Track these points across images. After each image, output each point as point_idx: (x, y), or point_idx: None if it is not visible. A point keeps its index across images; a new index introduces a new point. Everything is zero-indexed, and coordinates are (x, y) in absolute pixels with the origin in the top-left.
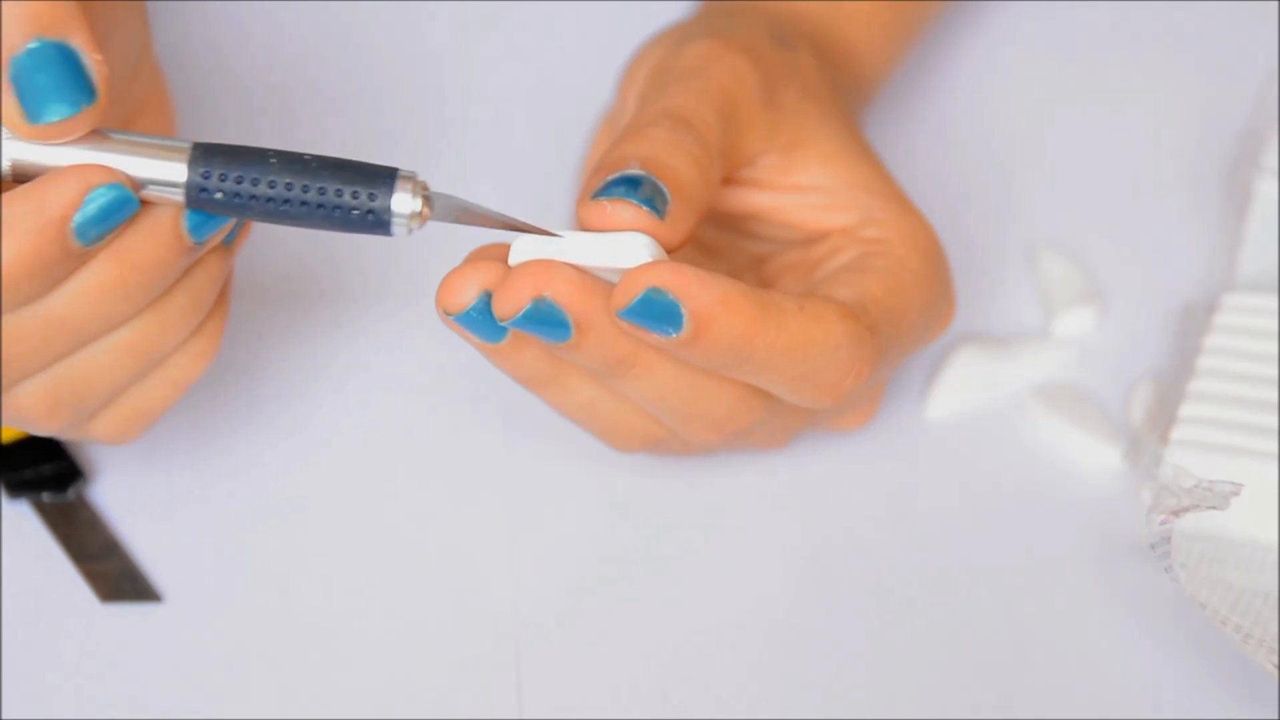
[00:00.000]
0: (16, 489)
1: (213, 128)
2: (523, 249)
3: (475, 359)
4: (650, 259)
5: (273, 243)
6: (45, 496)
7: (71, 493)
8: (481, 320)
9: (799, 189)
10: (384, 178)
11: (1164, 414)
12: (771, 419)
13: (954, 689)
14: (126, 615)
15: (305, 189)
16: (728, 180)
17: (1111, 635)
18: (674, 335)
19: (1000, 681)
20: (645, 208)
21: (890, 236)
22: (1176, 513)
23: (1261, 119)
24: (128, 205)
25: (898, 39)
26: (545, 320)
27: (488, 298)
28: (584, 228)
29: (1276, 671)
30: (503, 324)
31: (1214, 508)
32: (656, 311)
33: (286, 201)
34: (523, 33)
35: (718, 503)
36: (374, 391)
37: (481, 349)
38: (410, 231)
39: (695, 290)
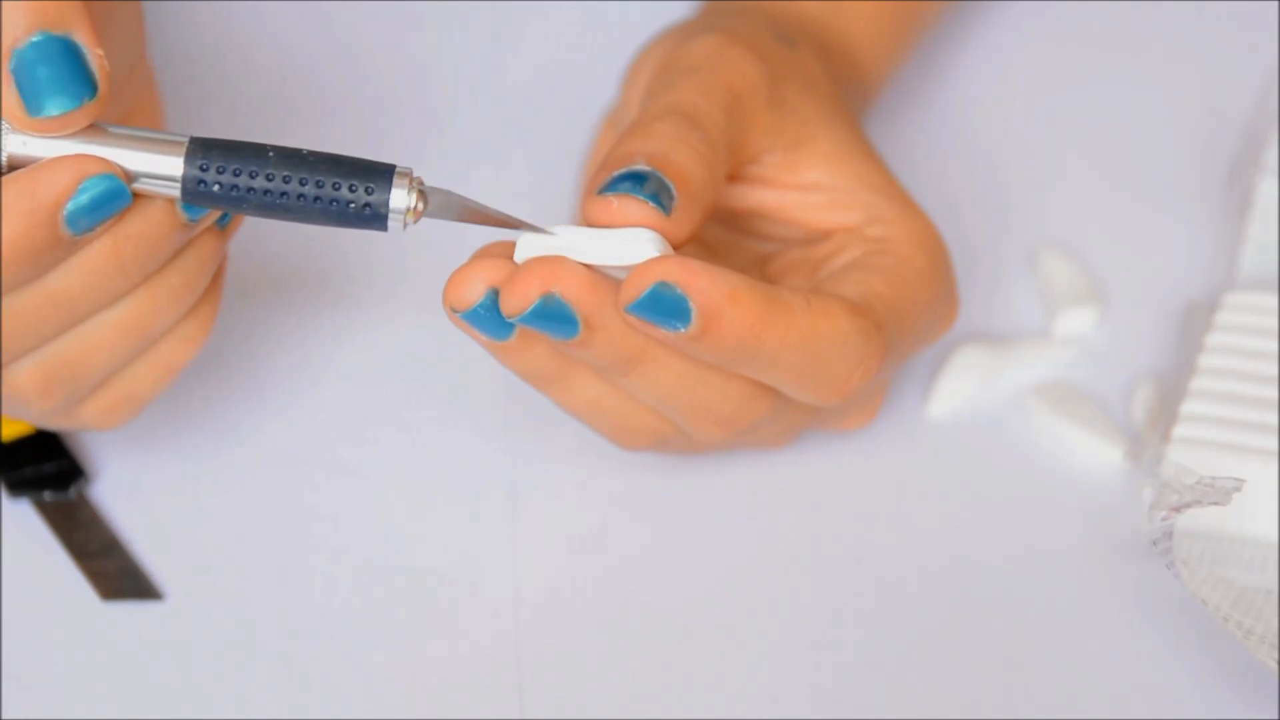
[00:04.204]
0: (18, 487)
1: (209, 130)
2: (529, 245)
3: (477, 356)
4: (657, 254)
5: (271, 239)
6: (46, 495)
7: (73, 491)
8: (489, 317)
9: (803, 187)
10: (382, 173)
11: (1165, 412)
12: (777, 417)
13: (955, 687)
14: (127, 614)
15: (303, 183)
16: (732, 177)
17: (1113, 633)
18: (682, 330)
19: (1001, 680)
20: (651, 203)
21: (895, 235)
22: (1178, 509)
23: (1262, 119)
24: (120, 197)
25: (899, 40)
26: (554, 317)
27: (495, 294)
28: (590, 223)
29: (1278, 668)
30: (510, 321)
31: (1216, 504)
32: (664, 306)
33: (284, 195)
34: (526, 30)
35: (718, 501)
36: (375, 390)
37: (489, 346)
38: (405, 227)
39: (703, 284)
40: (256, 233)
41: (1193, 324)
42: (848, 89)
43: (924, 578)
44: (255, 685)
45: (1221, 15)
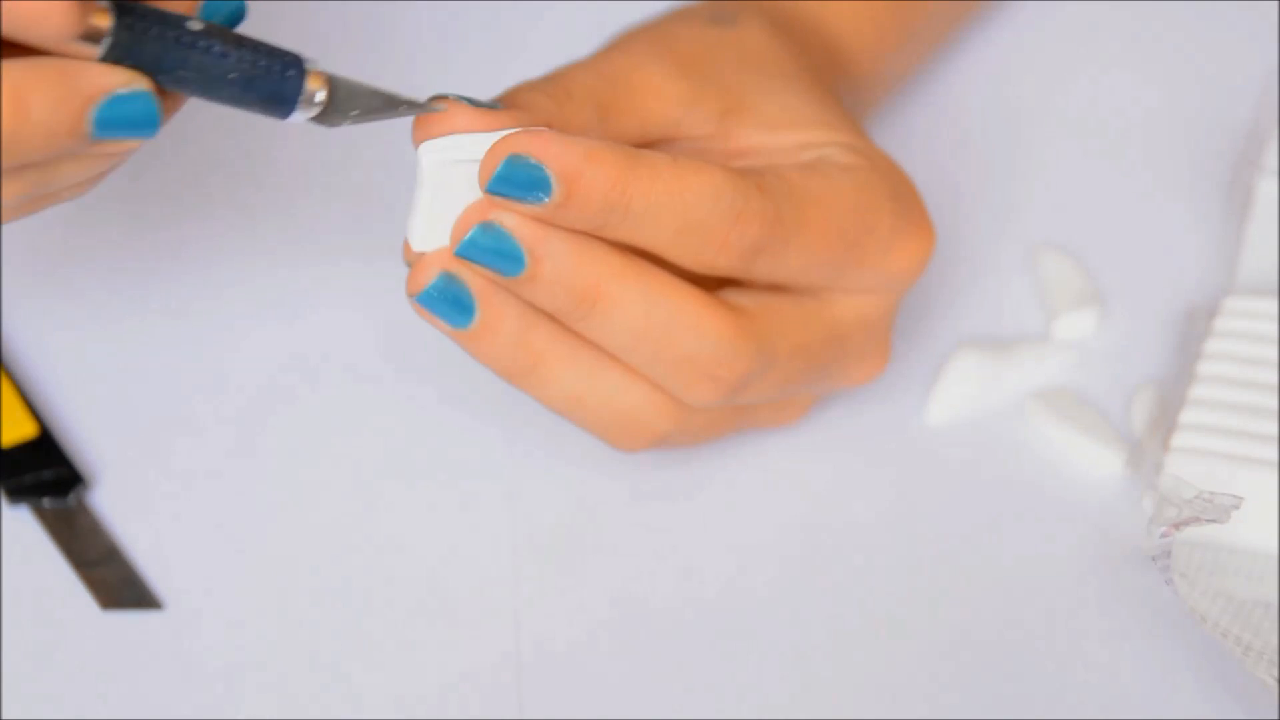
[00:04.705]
0: (17, 494)
1: (205, 137)
2: (434, 152)
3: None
4: None
5: (269, 241)
6: (46, 502)
7: (72, 498)
8: (443, 299)
9: (742, 152)
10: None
11: (1165, 419)
12: (768, 367)
13: (953, 696)
14: (127, 622)
15: (226, 37)
16: (662, 142)
17: (1112, 642)
18: (547, 201)
19: (999, 687)
20: (463, 101)
21: (833, 151)
22: (1177, 525)
23: (1262, 119)
24: None
25: (892, 36)
26: (498, 251)
27: (447, 276)
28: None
29: (1277, 685)
30: (459, 254)
31: (1214, 521)
32: (522, 179)
33: (210, 40)
34: (527, 29)
35: (716, 504)
36: (375, 394)
37: (453, 336)
38: (311, 107)
39: (557, 150)
40: (255, 234)
41: (1193, 328)
42: (820, 66)
43: (921, 584)
44: (254, 693)
45: (1221, 15)
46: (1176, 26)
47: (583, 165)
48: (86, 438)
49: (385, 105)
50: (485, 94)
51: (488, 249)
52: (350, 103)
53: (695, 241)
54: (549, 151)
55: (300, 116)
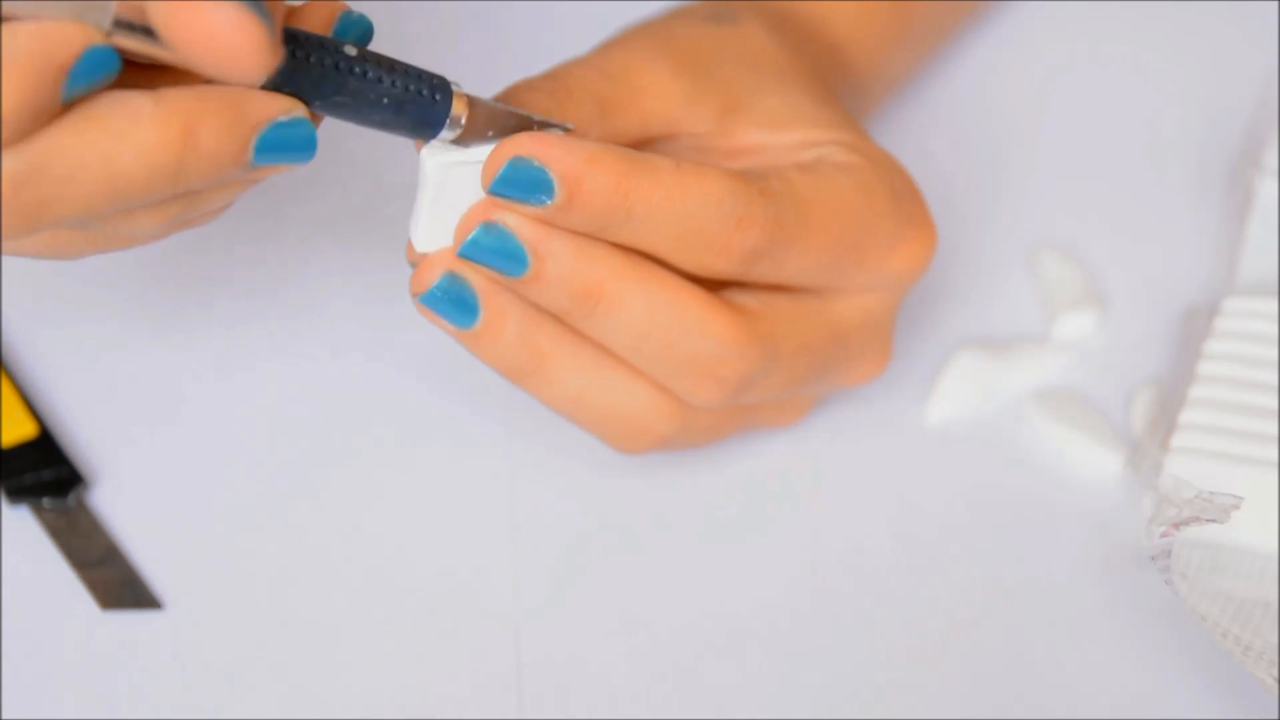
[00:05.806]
0: (17, 494)
1: None
2: (436, 158)
3: (477, 361)
4: None
5: (270, 240)
6: (46, 502)
7: (72, 499)
8: (447, 299)
9: (742, 150)
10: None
11: (1165, 420)
12: (771, 367)
13: (951, 697)
14: (127, 623)
15: (380, 62)
16: (662, 140)
17: (1112, 642)
18: (549, 203)
19: (999, 689)
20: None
21: (833, 150)
22: (1177, 525)
23: (1262, 119)
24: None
25: (892, 35)
26: (501, 251)
27: (452, 276)
28: None
29: (1277, 686)
30: (462, 254)
31: (1214, 520)
32: (524, 181)
33: (365, 65)
34: (528, 29)
35: (715, 506)
36: (375, 396)
37: (457, 336)
38: (455, 129)
39: (559, 154)
40: (254, 233)
41: (1193, 329)
42: (821, 65)
43: (920, 584)
44: (255, 693)
45: (1221, 15)
46: (1176, 26)
47: (585, 169)
48: (86, 438)
49: (519, 126)
50: (484, 93)
51: (491, 249)
52: (488, 124)
53: (696, 246)
54: (551, 154)
55: (445, 138)
